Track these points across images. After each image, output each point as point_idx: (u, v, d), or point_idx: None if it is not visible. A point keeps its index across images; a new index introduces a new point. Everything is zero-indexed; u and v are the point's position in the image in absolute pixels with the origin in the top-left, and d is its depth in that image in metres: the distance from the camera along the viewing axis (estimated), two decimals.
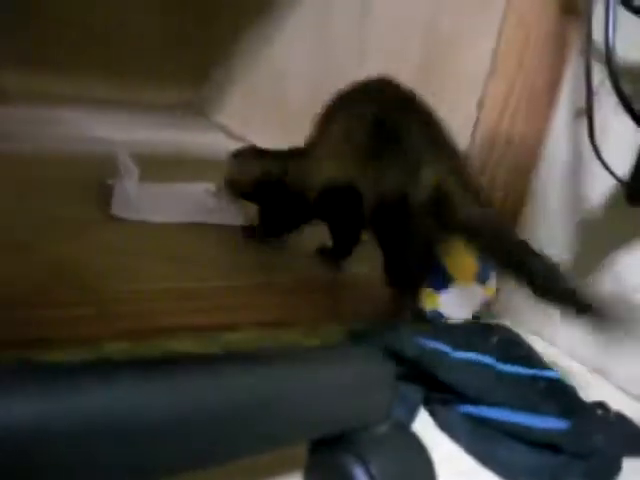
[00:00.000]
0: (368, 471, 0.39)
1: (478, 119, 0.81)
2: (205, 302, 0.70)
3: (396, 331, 0.59)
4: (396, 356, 0.54)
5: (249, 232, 0.92)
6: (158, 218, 0.92)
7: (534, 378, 0.62)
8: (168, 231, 0.90)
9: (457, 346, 0.59)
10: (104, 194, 0.95)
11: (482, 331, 0.65)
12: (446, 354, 0.57)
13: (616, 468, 0.53)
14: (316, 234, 0.88)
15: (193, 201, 1.01)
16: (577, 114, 0.73)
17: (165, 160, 1.30)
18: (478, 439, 0.55)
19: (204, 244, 0.89)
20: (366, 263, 0.82)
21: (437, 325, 0.66)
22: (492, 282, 0.77)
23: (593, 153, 0.65)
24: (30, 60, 1.63)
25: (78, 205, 0.92)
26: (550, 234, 0.77)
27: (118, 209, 0.90)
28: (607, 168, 0.64)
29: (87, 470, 0.27)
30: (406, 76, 1.00)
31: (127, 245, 0.81)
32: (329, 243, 0.86)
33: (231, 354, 0.42)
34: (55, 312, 0.61)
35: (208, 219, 0.97)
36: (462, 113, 0.85)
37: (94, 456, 0.27)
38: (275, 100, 1.49)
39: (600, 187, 0.70)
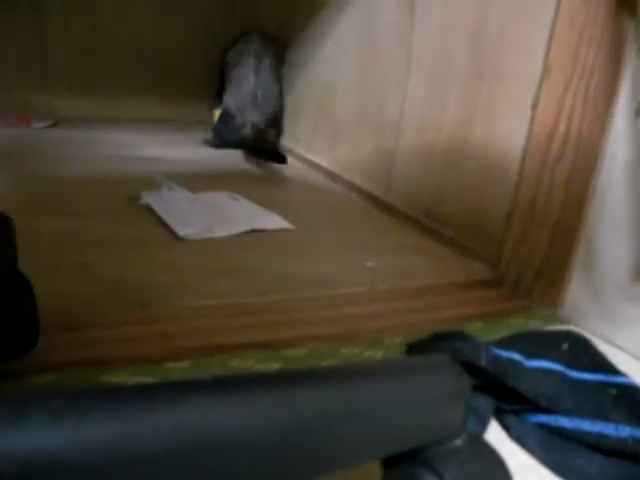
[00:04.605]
0: None
1: (533, 120, 0.80)
2: (264, 317, 0.70)
3: (466, 341, 0.58)
4: (467, 366, 0.53)
5: None
6: (220, 233, 0.93)
7: (606, 384, 0.60)
8: (218, 244, 0.91)
9: (528, 354, 0.58)
10: (149, 211, 0.98)
11: (552, 338, 0.64)
12: (519, 363, 0.56)
13: None
14: None
15: (237, 211, 1.04)
16: (638, 113, 0.71)
17: (207, 176, 1.32)
18: (552, 449, 0.54)
19: (258, 254, 0.89)
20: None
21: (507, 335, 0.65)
22: None
23: None
24: (79, 84, 1.70)
25: (133, 224, 0.95)
26: (614, 234, 0.75)
27: (184, 230, 0.91)
28: None
29: None
30: (455, 82, 1.00)
31: (184, 262, 0.82)
32: None
33: (297, 371, 0.41)
34: (114, 331, 0.61)
35: (256, 225, 0.98)
36: (517, 114, 0.85)
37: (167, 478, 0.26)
38: (322, 114, 1.50)
39: None
